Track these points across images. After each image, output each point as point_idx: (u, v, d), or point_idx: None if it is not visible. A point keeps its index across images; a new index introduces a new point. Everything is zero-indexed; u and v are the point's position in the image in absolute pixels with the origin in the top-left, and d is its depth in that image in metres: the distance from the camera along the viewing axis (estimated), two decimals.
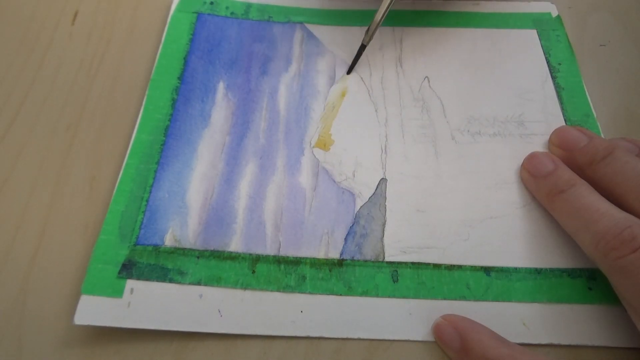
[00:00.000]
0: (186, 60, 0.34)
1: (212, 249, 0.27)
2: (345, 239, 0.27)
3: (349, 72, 0.34)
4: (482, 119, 0.32)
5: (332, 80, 0.34)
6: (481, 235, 0.28)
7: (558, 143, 0.29)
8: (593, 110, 0.32)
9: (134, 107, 0.32)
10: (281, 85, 0.33)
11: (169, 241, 0.27)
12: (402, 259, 0.27)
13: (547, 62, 0.34)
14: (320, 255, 0.27)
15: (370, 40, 0.32)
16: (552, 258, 0.27)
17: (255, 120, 0.32)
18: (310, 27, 0.36)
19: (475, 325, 0.24)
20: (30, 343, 0.25)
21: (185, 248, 0.27)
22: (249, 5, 0.37)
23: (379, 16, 0.31)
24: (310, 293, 0.26)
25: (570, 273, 0.26)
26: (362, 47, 0.33)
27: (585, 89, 0.33)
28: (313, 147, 0.31)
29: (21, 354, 0.24)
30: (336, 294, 0.26)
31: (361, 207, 0.28)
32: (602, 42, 0.36)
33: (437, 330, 0.25)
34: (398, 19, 0.36)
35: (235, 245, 0.27)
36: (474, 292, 0.26)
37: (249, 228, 0.28)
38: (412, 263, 0.27)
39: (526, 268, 0.27)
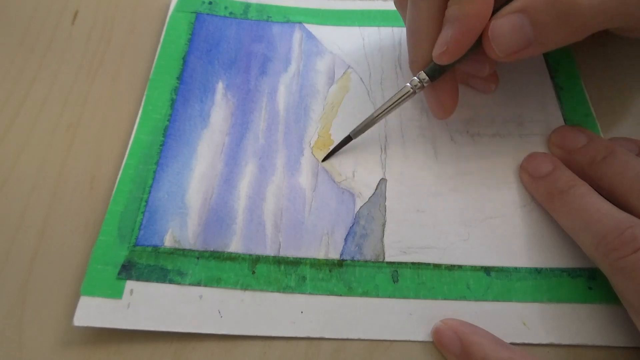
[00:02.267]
0: (185, 61, 0.34)
1: (211, 249, 0.27)
2: (345, 240, 0.27)
3: (324, 159, 0.30)
4: (481, 120, 0.32)
5: (331, 80, 0.34)
6: (481, 235, 0.28)
7: (558, 143, 0.29)
8: (592, 110, 0.32)
9: (133, 107, 0.32)
10: (280, 85, 0.33)
11: (168, 242, 0.27)
12: (402, 259, 0.27)
13: (545, 62, 0.34)
14: (320, 255, 0.27)
15: (358, 135, 0.30)
16: (552, 258, 0.27)
17: (254, 121, 0.32)
18: (309, 27, 0.36)
19: (476, 329, 0.24)
20: (30, 343, 0.25)
21: (185, 249, 0.27)
22: (247, 5, 0.37)
23: (375, 113, 0.29)
24: (310, 293, 0.26)
25: (570, 273, 0.26)
26: (348, 139, 0.30)
27: (585, 89, 0.33)
28: (312, 147, 0.31)
29: (21, 354, 0.24)
30: (336, 295, 0.26)
31: (361, 207, 0.28)
32: (601, 42, 0.36)
33: (437, 334, 0.25)
34: (397, 19, 0.36)
35: (235, 245, 0.27)
36: (474, 292, 0.26)
37: (249, 228, 0.28)
38: (412, 263, 0.27)
39: (526, 268, 0.27)
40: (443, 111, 0.29)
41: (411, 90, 0.28)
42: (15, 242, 0.27)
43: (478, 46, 0.26)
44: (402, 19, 0.32)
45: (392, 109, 0.29)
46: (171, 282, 0.26)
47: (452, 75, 0.29)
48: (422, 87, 0.28)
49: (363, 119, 0.30)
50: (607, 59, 0.35)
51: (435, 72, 0.27)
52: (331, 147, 0.30)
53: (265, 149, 0.30)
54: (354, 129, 0.30)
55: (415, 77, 0.28)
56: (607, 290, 0.25)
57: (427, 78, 0.27)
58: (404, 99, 0.28)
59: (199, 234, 0.27)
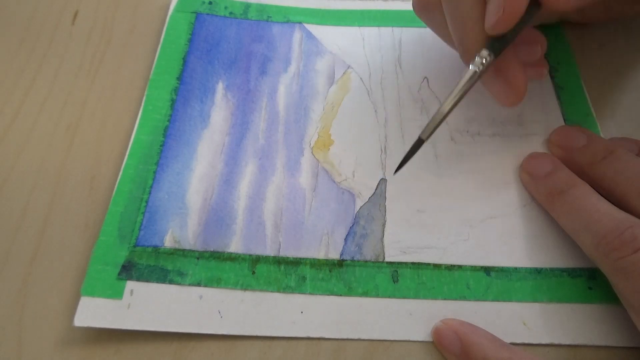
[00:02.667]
0: (185, 61, 0.34)
1: (212, 249, 0.27)
2: (345, 240, 0.27)
3: (397, 170, 0.28)
4: (481, 120, 0.32)
5: (331, 80, 0.34)
6: (481, 235, 0.28)
7: (558, 143, 0.29)
8: (592, 110, 0.32)
9: (133, 107, 0.32)
10: (280, 85, 0.33)
11: (168, 242, 0.27)
12: (402, 259, 0.27)
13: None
14: (320, 255, 0.27)
15: (430, 135, 0.26)
16: (552, 258, 0.27)
17: (254, 121, 0.32)
18: (309, 27, 0.36)
19: (475, 329, 0.24)
20: (30, 343, 0.25)
21: (185, 249, 0.27)
22: (247, 5, 0.37)
23: (445, 108, 0.26)
24: (310, 294, 0.26)
25: (570, 273, 0.26)
26: (420, 142, 0.27)
27: (585, 89, 0.33)
28: (312, 147, 0.31)
29: (21, 354, 0.24)
30: (336, 295, 0.26)
31: (361, 207, 0.28)
32: (602, 42, 0.36)
33: (437, 334, 0.25)
34: (398, 19, 0.36)
35: (235, 246, 0.27)
36: (474, 292, 0.26)
37: (249, 229, 0.28)
38: (412, 263, 0.27)
39: (526, 268, 0.27)
40: (515, 94, 0.26)
41: (477, 70, 0.25)
42: (15, 242, 0.27)
43: (533, 10, 0.24)
44: (426, 22, 0.30)
45: (461, 99, 0.26)
46: (171, 282, 0.26)
47: (513, 53, 0.26)
48: (488, 65, 0.25)
49: (363, 118, 0.30)
50: (608, 59, 0.35)
51: (496, 48, 0.25)
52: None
53: (265, 149, 0.30)
54: (424, 130, 0.26)
55: (477, 57, 0.25)
56: (607, 290, 0.25)
57: (488, 53, 0.25)
58: (471, 84, 0.26)
59: (199, 234, 0.27)
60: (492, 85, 0.27)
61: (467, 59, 0.26)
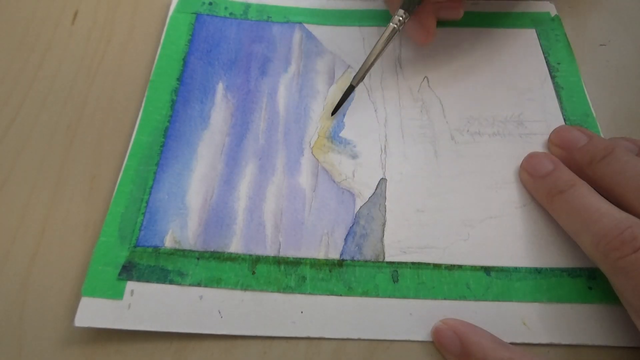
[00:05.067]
0: (185, 61, 0.34)
1: (212, 250, 0.27)
2: (345, 239, 0.27)
3: (333, 113, 0.32)
4: (481, 119, 0.32)
5: (331, 80, 0.34)
6: (481, 235, 0.28)
7: (558, 142, 0.29)
8: (592, 110, 0.32)
9: (133, 107, 0.32)
10: (280, 85, 0.33)
11: (169, 242, 0.27)
12: (402, 259, 0.27)
13: (546, 62, 0.34)
14: (320, 255, 0.27)
15: (359, 82, 0.31)
16: (552, 258, 0.27)
17: (254, 121, 0.32)
18: (309, 27, 0.36)
19: (475, 329, 0.24)
20: (30, 343, 0.25)
21: (185, 249, 0.27)
22: (247, 6, 0.37)
23: (371, 59, 0.30)
24: (310, 294, 0.26)
25: (570, 272, 0.26)
26: (351, 88, 0.31)
27: (585, 89, 0.33)
28: (312, 147, 0.31)
29: (21, 354, 0.24)
30: (336, 295, 0.26)
31: (361, 207, 0.28)
32: (602, 42, 0.36)
33: (437, 334, 0.25)
34: None
35: (235, 246, 0.27)
36: (474, 292, 0.26)
37: (249, 229, 0.28)
38: (412, 263, 0.27)
39: (526, 268, 0.27)
40: (426, 34, 0.32)
41: (396, 26, 0.30)
42: (15, 242, 0.27)
43: None
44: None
45: (383, 50, 0.31)
46: (171, 282, 0.26)
47: (426, 7, 0.31)
48: (404, 22, 0.30)
49: (363, 119, 0.30)
50: (607, 59, 0.35)
51: (411, 5, 0.30)
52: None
53: (265, 149, 0.30)
54: (355, 77, 0.31)
55: (395, 15, 0.30)
56: (607, 290, 0.25)
57: (404, 12, 0.30)
58: (392, 37, 0.30)
59: (199, 234, 0.27)
60: (409, 29, 0.32)
61: (392, 10, 0.32)
